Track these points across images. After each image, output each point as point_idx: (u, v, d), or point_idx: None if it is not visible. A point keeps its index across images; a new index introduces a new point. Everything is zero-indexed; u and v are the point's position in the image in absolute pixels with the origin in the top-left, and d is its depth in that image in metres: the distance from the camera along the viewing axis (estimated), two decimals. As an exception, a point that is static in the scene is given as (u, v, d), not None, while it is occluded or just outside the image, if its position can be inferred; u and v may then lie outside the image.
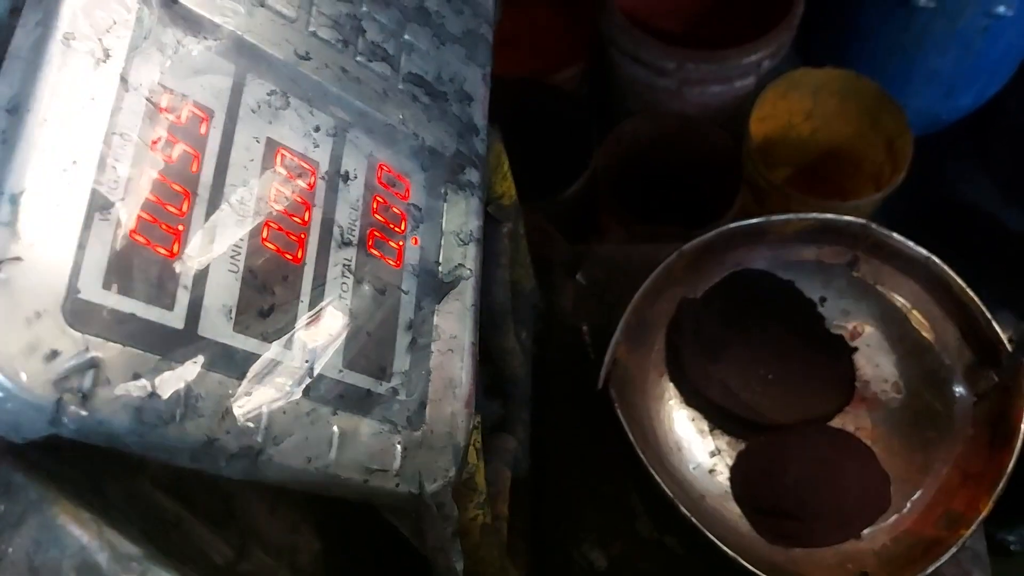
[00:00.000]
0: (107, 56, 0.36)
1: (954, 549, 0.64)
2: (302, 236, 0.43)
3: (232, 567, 0.41)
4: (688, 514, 0.65)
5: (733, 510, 0.73)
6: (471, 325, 0.50)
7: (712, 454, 0.76)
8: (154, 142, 0.38)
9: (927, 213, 1.38)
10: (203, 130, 0.40)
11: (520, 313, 0.72)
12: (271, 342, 0.40)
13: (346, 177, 0.46)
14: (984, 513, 0.65)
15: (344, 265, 0.44)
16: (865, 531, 0.71)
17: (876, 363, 0.78)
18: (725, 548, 0.63)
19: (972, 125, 1.41)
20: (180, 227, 0.38)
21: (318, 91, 0.46)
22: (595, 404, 0.69)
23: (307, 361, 0.41)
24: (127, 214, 0.36)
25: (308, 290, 0.42)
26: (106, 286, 0.34)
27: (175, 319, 0.36)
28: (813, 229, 0.76)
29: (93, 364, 0.33)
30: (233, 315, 0.39)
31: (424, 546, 0.45)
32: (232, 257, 0.39)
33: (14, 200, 0.32)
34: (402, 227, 0.49)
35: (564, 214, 1.17)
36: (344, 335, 0.43)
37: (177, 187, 0.38)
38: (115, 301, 0.34)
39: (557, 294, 0.83)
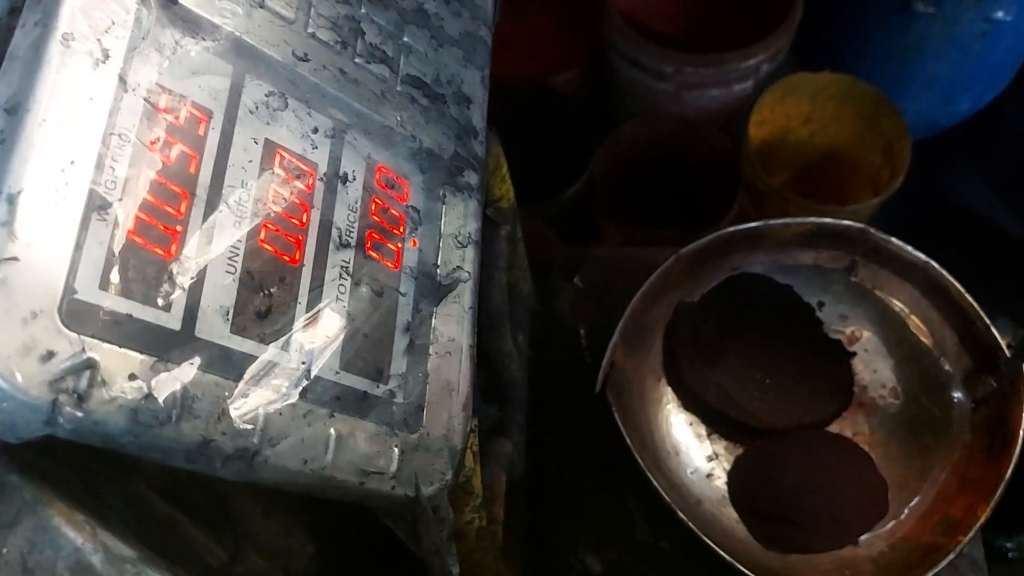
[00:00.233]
0: (106, 56, 0.36)
1: (952, 556, 0.64)
2: (300, 238, 0.43)
3: (226, 569, 0.41)
4: (685, 519, 0.64)
5: (730, 515, 0.73)
6: (469, 328, 0.50)
7: (710, 459, 0.75)
8: (152, 143, 0.37)
9: (925, 218, 1.38)
10: (201, 131, 0.40)
11: (517, 316, 0.72)
12: (268, 344, 0.40)
13: (344, 179, 0.46)
14: (982, 519, 0.65)
15: (342, 267, 0.44)
16: (863, 537, 0.71)
17: (874, 368, 0.78)
18: (722, 553, 0.63)
19: (970, 130, 1.41)
20: (178, 228, 0.38)
21: (316, 92, 0.46)
22: (592, 408, 0.69)
23: (304, 363, 0.41)
24: (125, 215, 0.36)
25: (306, 292, 0.42)
26: (103, 287, 0.34)
27: (172, 320, 0.36)
28: (811, 233, 0.75)
29: (89, 365, 0.33)
30: (230, 316, 0.38)
31: (419, 549, 0.45)
32: (230, 258, 0.39)
33: (11, 200, 0.32)
34: (400, 229, 0.49)
35: (562, 217, 1.17)
36: (341, 337, 0.43)
37: (175, 188, 0.38)
38: (112, 302, 0.34)
39: (555, 297, 0.83)
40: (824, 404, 0.77)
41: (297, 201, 0.43)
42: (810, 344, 0.78)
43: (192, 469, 0.36)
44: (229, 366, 0.38)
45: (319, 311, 0.42)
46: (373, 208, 0.47)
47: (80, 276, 0.33)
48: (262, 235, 0.41)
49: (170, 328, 0.36)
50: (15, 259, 0.32)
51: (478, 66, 0.56)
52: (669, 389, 0.77)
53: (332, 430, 0.41)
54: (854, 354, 0.78)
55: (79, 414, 0.32)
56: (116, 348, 0.34)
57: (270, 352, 0.39)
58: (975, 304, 0.71)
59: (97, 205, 0.35)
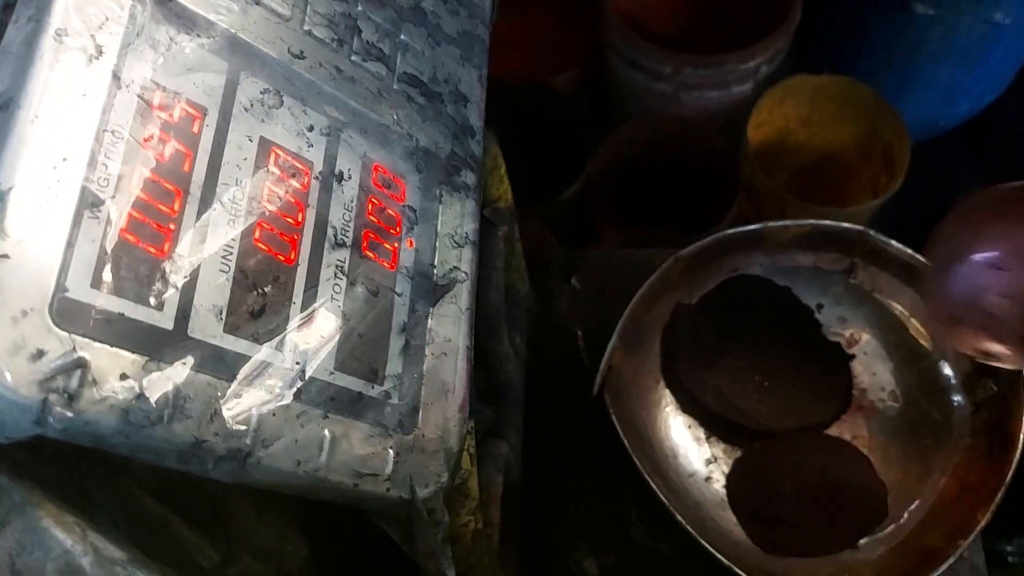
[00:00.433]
0: (99, 53, 0.36)
1: (952, 560, 0.64)
2: (295, 237, 0.42)
3: (218, 571, 0.40)
4: (683, 522, 0.64)
5: (729, 518, 0.72)
6: (465, 329, 0.49)
7: (708, 462, 0.75)
8: (146, 140, 0.37)
9: (925, 219, 1.37)
10: (196, 128, 0.40)
11: (515, 317, 0.72)
12: (262, 343, 0.39)
13: (340, 177, 0.46)
14: (982, 523, 0.64)
15: (337, 266, 0.44)
16: (862, 541, 0.70)
17: (873, 371, 0.77)
18: (720, 557, 0.63)
19: (970, 132, 1.40)
20: (171, 226, 0.37)
21: (312, 90, 0.45)
22: (590, 410, 0.69)
23: (298, 363, 0.40)
24: (117, 212, 0.35)
25: (300, 291, 0.42)
26: (95, 285, 0.34)
27: (164, 319, 0.36)
28: (810, 235, 0.75)
29: (80, 364, 0.32)
30: (224, 316, 0.38)
31: (414, 552, 0.45)
32: (224, 257, 0.39)
33: (2, 197, 0.32)
34: (397, 229, 0.48)
35: (560, 218, 1.17)
36: (336, 337, 0.43)
37: (169, 185, 0.38)
38: (103, 300, 0.34)
39: (552, 298, 0.83)
40: (823, 407, 0.77)
41: (292, 200, 0.43)
42: (809, 346, 0.78)
43: (184, 470, 0.36)
44: (222, 366, 0.37)
45: (314, 311, 0.42)
46: (369, 207, 0.47)
47: (72, 274, 0.33)
48: (256, 234, 0.41)
49: (162, 327, 0.36)
50: (6, 256, 0.31)
51: (475, 65, 0.56)
52: (667, 391, 0.77)
53: (326, 431, 0.40)
54: (853, 357, 0.78)
55: (69, 414, 0.32)
56: (107, 347, 0.33)
57: (264, 352, 0.39)
58: (975, 307, 0.71)
59: (89, 202, 0.34)
